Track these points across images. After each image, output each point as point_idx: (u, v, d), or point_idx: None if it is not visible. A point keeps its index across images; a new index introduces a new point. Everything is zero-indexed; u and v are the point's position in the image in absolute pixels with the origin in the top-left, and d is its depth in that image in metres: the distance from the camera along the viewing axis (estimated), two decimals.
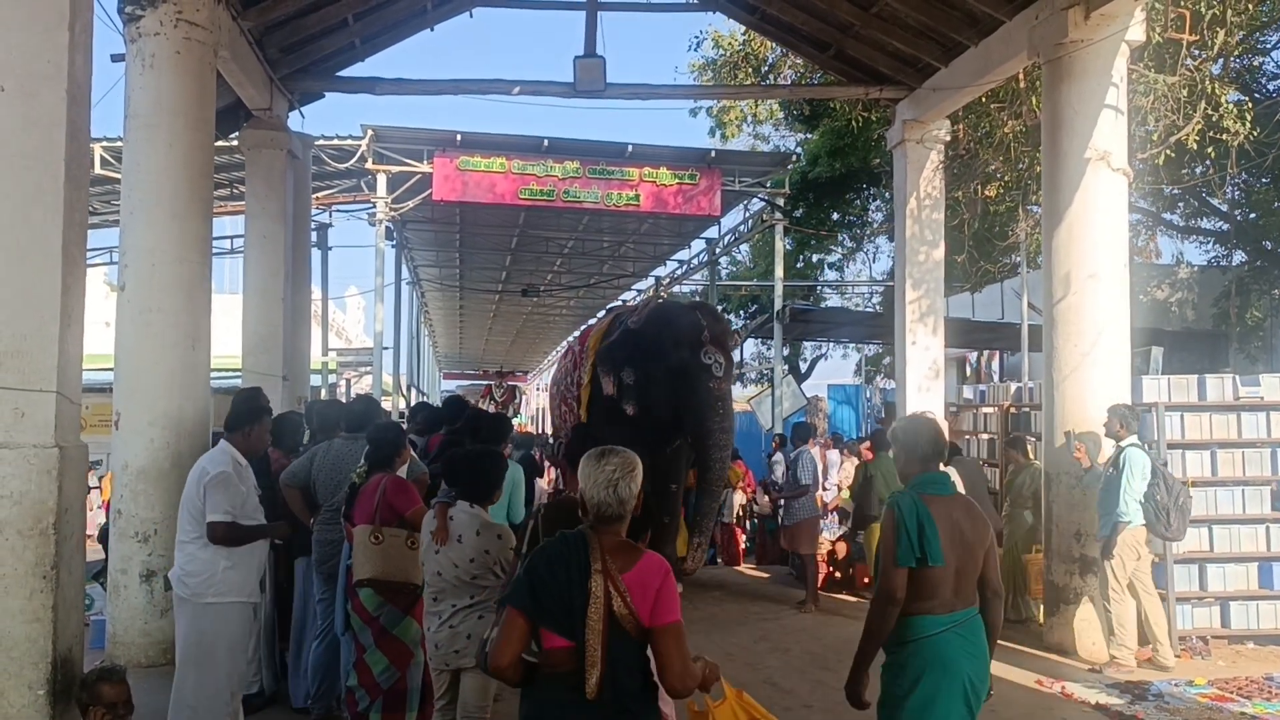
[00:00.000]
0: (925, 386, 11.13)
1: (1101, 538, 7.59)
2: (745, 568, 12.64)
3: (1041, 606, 8.57)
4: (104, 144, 14.40)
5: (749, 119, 21.68)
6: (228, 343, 11.32)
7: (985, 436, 11.27)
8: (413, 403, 22.86)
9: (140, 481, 7.28)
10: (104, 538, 8.00)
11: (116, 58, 8.15)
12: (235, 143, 11.24)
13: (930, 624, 3.72)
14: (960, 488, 9.21)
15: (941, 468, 4.05)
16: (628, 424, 8.87)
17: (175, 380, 7.42)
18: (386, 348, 19.00)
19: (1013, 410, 10.65)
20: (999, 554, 4.74)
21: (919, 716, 3.70)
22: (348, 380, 24.83)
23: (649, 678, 3.01)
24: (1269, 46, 15.58)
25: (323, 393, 19.31)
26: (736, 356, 9.17)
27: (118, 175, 10.18)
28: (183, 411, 7.42)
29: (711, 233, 21.86)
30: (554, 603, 2.94)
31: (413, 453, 5.97)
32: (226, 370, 13.36)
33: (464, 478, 4.69)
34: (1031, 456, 9.59)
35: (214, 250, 8.88)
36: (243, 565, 4.99)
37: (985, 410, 11.49)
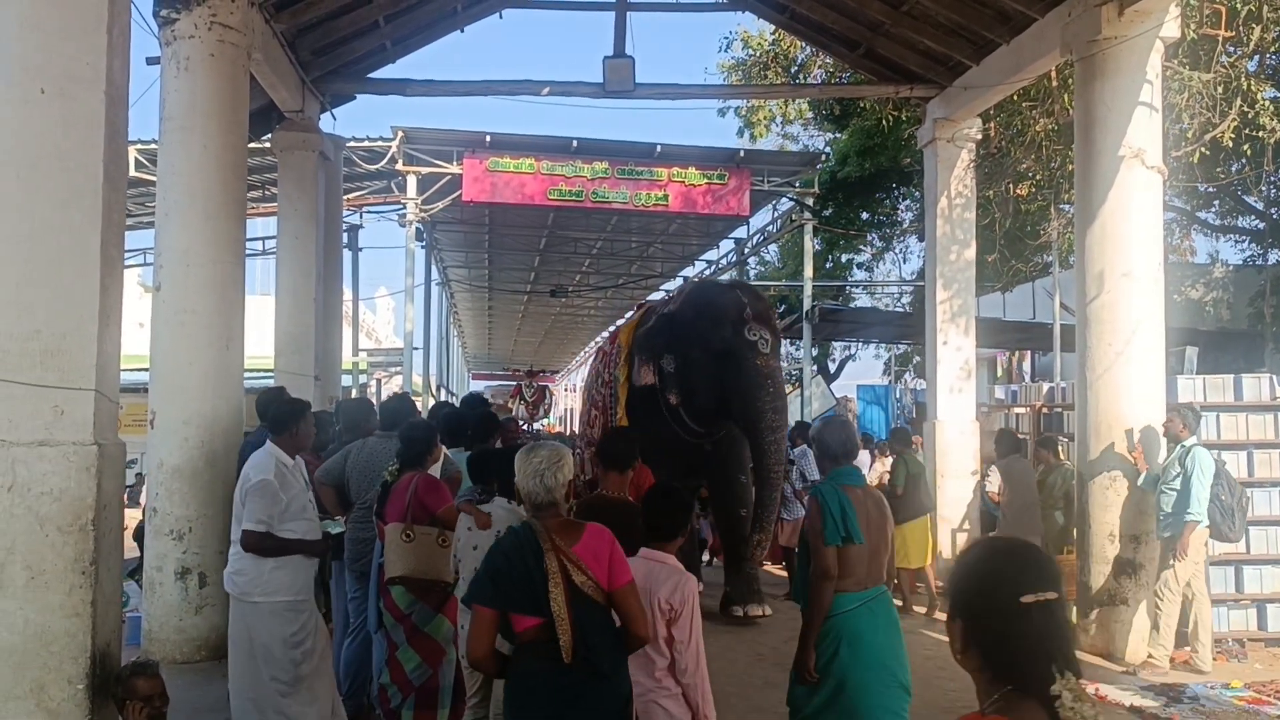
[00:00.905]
0: (957, 387, 11.07)
1: (1163, 538, 7.48)
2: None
3: (1074, 609, 8.51)
4: (138, 146, 14.57)
5: (777, 119, 21.62)
6: (260, 343, 11.43)
7: (1018, 437, 11.19)
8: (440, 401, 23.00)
9: (175, 480, 7.35)
10: (139, 535, 8.08)
11: (152, 60, 8.24)
12: (268, 144, 11.35)
13: (846, 600, 4.16)
14: (993, 485, 9.18)
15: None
16: (669, 418, 8.58)
17: (209, 380, 7.49)
18: (416, 348, 19.14)
19: (1045, 410, 10.57)
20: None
21: (835, 683, 4.09)
22: (378, 380, 25.01)
23: (618, 641, 3.35)
24: None
25: (353, 393, 19.45)
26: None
27: (152, 177, 10.32)
28: (217, 411, 7.49)
29: (740, 233, 21.86)
30: (516, 588, 3.25)
31: (446, 451, 6.00)
32: (260, 370, 13.49)
33: (502, 474, 4.72)
34: (1063, 456, 9.52)
35: (246, 251, 8.98)
36: (290, 565, 5.00)
37: (1017, 410, 11.41)
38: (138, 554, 8.17)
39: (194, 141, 7.57)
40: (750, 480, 8.80)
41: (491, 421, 7.25)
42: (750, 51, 18.23)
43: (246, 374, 8.30)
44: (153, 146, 12.44)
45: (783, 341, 9.46)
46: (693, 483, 8.92)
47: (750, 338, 8.15)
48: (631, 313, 11.78)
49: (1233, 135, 10.89)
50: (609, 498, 4.72)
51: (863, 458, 12.95)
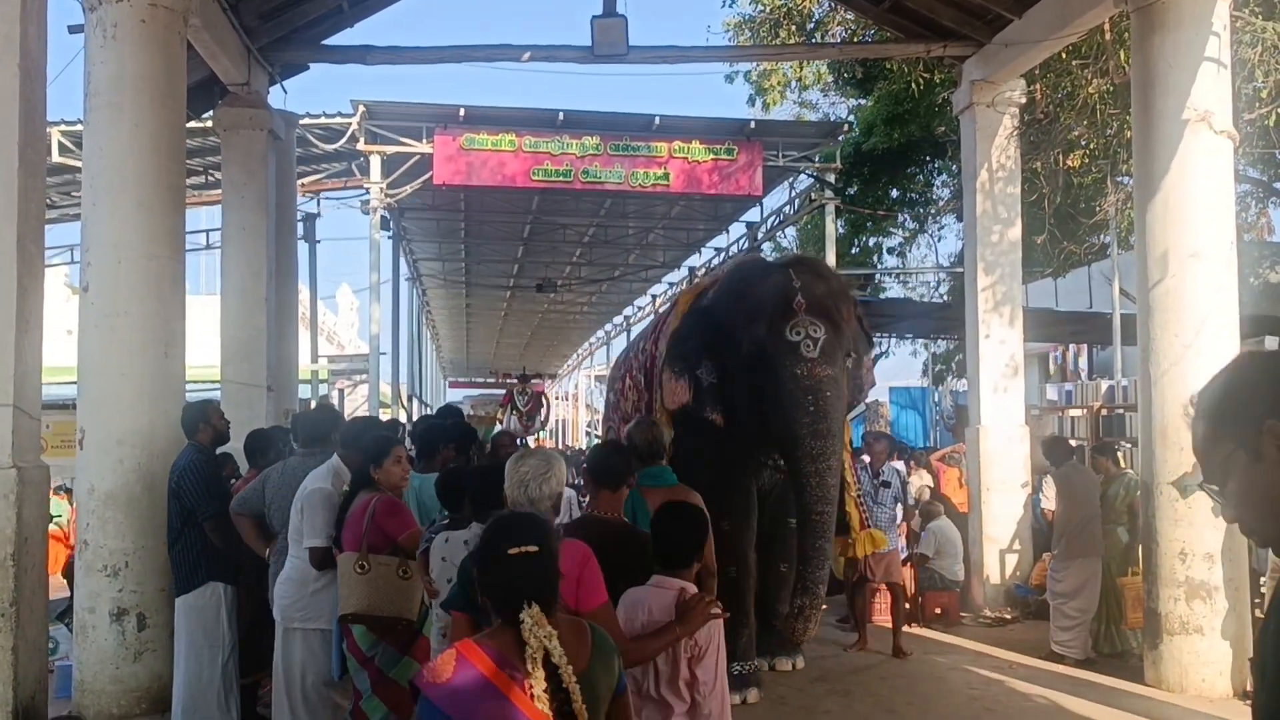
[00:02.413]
0: (1002, 386, 11.07)
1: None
2: None
3: (1142, 638, 8.50)
4: (62, 128, 14.58)
5: (793, 84, 21.63)
6: (205, 350, 11.43)
7: (1073, 443, 11.19)
8: (414, 415, 23.00)
9: (109, 508, 7.32)
10: (69, 572, 8.09)
11: (74, 29, 8.24)
12: (210, 123, 11.35)
13: None
14: (1048, 499, 9.10)
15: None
16: (717, 437, 7.59)
17: (146, 393, 7.47)
18: (384, 353, 19.14)
19: (1104, 412, 10.58)
20: None
21: None
22: (340, 390, 25.01)
23: None
24: None
25: (312, 404, 19.45)
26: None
27: (77, 163, 10.33)
28: (155, 428, 7.46)
29: (753, 215, 21.88)
30: None
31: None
32: (204, 381, 13.49)
33: (476, 494, 4.72)
34: (1124, 464, 9.52)
35: (188, 245, 9.00)
36: (334, 588, 5.11)
37: (1072, 413, 11.42)
38: (67, 593, 8.18)
39: (124, 120, 7.55)
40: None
41: (468, 433, 7.25)
42: (760, 7, 18.23)
43: (188, 385, 8.30)
44: (78, 128, 12.43)
45: (869, 338, 8.11)
46: (768, 509, 8.25)
47: (791, 337, 7.01)
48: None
49: None
50: (605, 518, 4.70)
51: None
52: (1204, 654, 7.72)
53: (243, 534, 6.07)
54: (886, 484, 9.57)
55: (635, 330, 34.93)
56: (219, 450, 6.80)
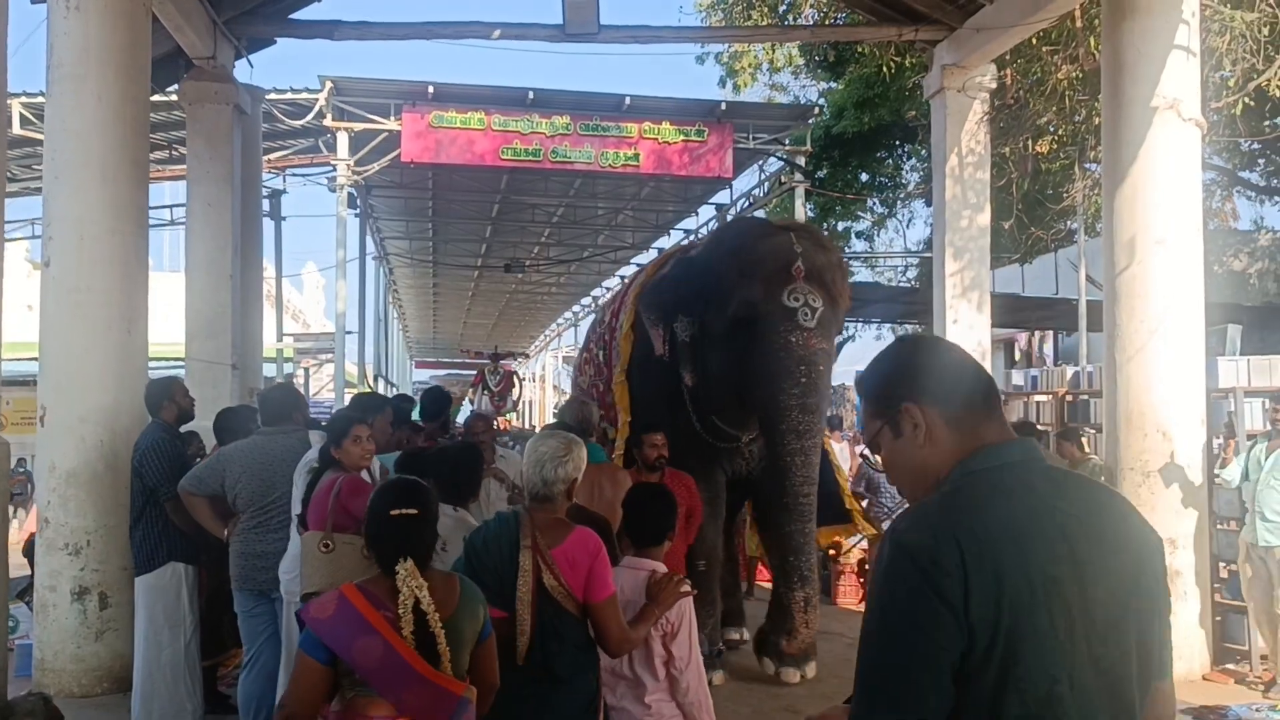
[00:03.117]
0: None
1: (1269, 546, 7.51)
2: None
3: None
4: (23, 99, 14.38)
5: (764, 66, 21.62)
6: (171, 327, 11.34)
7: (1039, 428, 11.27)
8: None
9: (70, 485, 7.27)
10: (29, 550, 8.01)
11: (36, 0, 8.13)
12: (174, 97, 11.22)
13: None
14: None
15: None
16: (688, 407, 7.29)
17: (109, 370, 7.41)
18: (350, 332, 19.04)
19: (1069, 398, 10.66)
20: None
21: None
22: (305, 369, 24.87)
23: (582, 648, 3.63)
24: None
25: (278, 382, 19.34)
26: None
27: (39, 135, 10.17)
28: (119, 405, 7.40)
29: (722, 197, 21.87)
30: (490, 576, 3.55)
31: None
32: (168, 359, 13.39)
33: (442, 475, 4.72)
34: (1088, 450, 9.60)
35: (152, 221, 8.89)
36: None
37: (1038, 398, 11.49)
38: (28, 572, 8.10)
39: (87, 92, 7.46)
40: None
41: (443, 398, 7.25)
42: None
43: (152, 362, 8.23)
44: (40, 100, 12.27)
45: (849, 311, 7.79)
46: (733, 497, 7.96)
47: (789, 303, 6.63)
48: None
49: None
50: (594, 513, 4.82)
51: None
52: (1174, 642, 7.80)
53: (195, 514, 5.99)
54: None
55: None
56: (184, 428, 6.74)
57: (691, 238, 24.07)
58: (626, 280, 10.37)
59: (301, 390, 21.84)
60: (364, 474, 5.26)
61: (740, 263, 6.81)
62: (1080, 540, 1.72)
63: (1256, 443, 7.76)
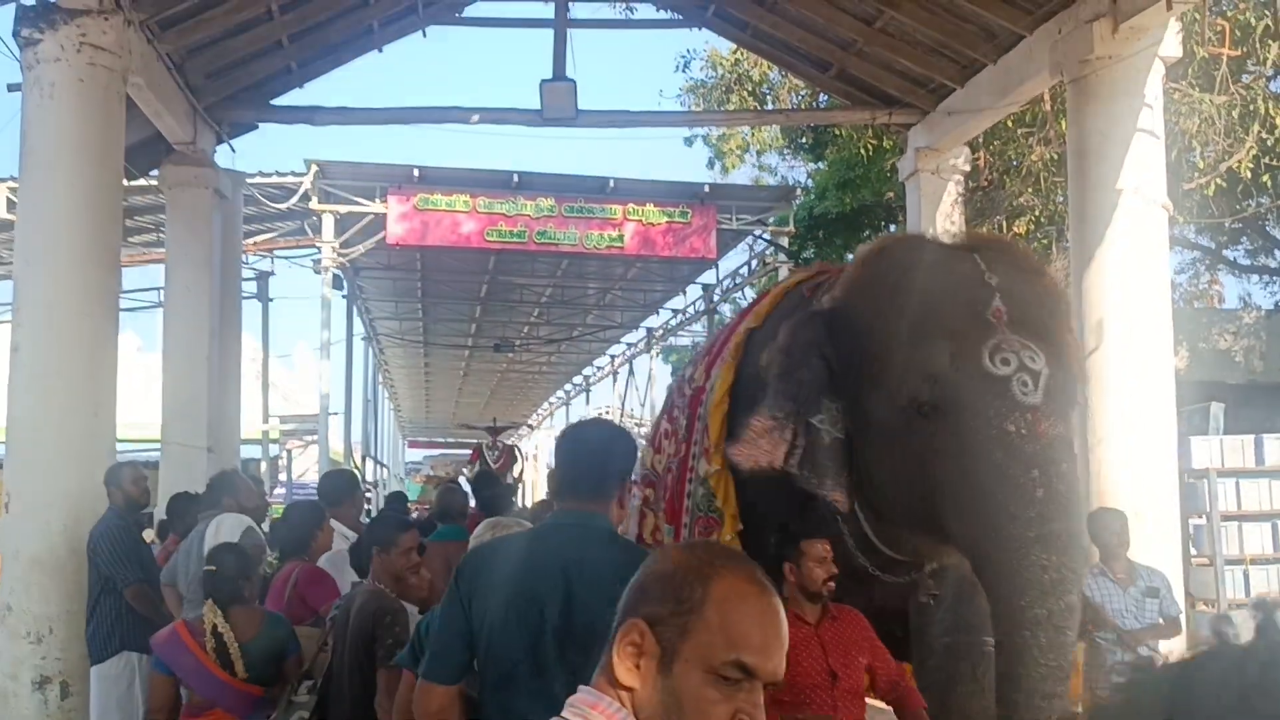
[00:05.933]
0: None
1: None
2: None
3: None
4: (9, 184, 14.43)
5: (751, 148, 21.86)
6: (156, 410, 11.29)
7: None
8: (369, 475, 22.77)
9: (34, 572, 7.19)
10: None
11: (14, 87, 8.23)
12: (155, 182, 11.30)
13: None
14: None
15: None
16: (843, 531, 4.45)
17: (74, 454, 7.36)
18: (334, 412, 18.97)
19: None
20: None
21: None
22: (289, 451, 24.76)
23: None
24: None
25: (263, 465, 19.27)
26: None
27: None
28: (83, 490, 7.32)
29: (709, 277, 21.96)
30: None
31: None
32: (143, 441, 13.32)
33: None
34: None
35: (138, 303, 8.91)
36: None
37: None
38: None
39: (59, 179, 7.52)
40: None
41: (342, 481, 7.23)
42: (714, 72, 18.43)
43: (133, 445, 8.19)
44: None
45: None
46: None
47: (997, 370, 3.85)
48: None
49: (1251, 165, 11.08)
50: None
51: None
52: None
53: (171, 606, 5.96)
54: (1154, 592, 6.53)
55: (595, 391, 34.82)
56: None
57: (678, 318, 24.14)
58: (719, 330, 7.96)
59: (281, 471, 21.79)
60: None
61: (908, 312, 4.10)
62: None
63: None
